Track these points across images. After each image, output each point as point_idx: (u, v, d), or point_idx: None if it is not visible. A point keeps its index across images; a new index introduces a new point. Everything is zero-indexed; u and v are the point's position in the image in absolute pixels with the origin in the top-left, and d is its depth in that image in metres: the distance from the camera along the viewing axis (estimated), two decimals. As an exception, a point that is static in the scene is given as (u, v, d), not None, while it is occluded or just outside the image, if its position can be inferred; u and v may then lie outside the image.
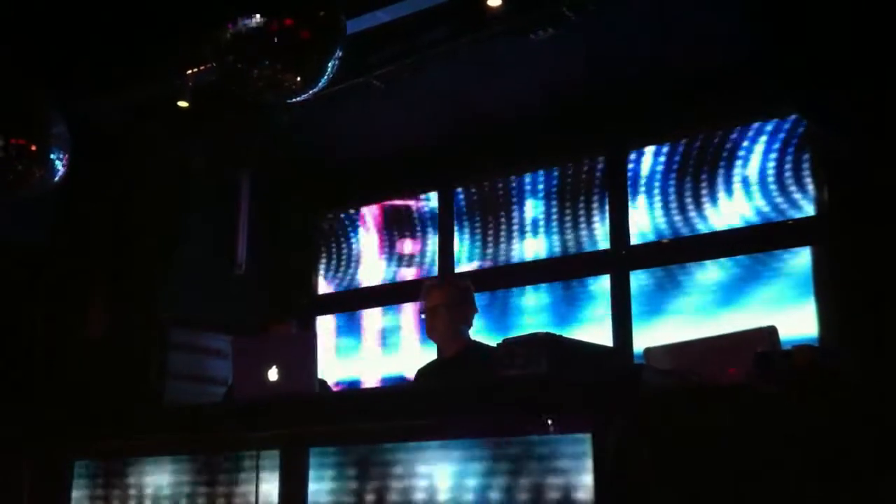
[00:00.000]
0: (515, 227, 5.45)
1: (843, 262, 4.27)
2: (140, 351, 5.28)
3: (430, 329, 3.89)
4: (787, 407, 2.25)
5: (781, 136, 4.65)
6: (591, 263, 5.13)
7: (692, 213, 4.86)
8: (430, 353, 4.08)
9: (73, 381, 5.18)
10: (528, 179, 5.44)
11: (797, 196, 4.57)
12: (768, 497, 2.20)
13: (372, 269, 5.96)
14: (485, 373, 3.35)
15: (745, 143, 4.75)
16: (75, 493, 3.54)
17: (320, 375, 4.00)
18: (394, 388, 4.39)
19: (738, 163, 4.75)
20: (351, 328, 5.97)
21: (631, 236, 5.01)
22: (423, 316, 3.90)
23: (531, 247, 5.37)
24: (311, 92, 3.51)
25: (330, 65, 3.44)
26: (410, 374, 4.51)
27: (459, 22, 4.26)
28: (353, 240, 6.10)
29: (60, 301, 5.49)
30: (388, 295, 5.81)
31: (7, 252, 5.39)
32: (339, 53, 3.46)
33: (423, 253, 5.78)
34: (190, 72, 4.58)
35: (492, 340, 4.04)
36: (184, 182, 5.53)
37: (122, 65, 4.74)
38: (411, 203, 5.88)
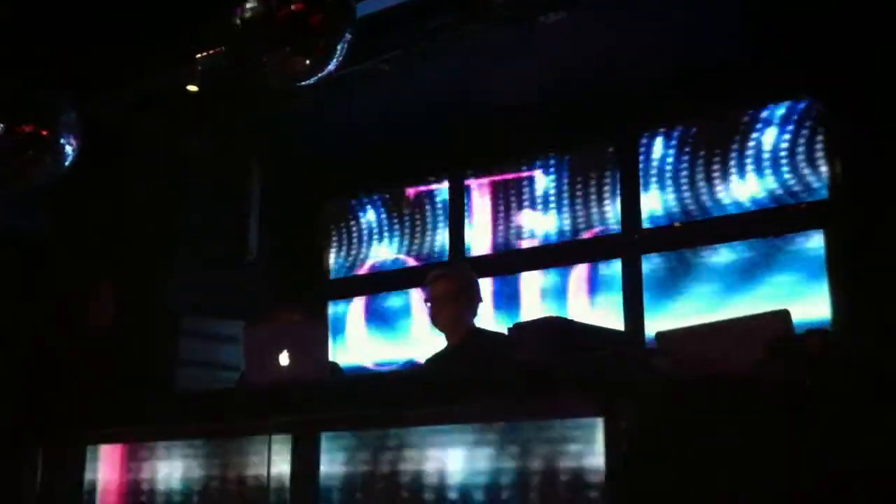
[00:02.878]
0: (526, 212, 5.44)
1: (856, 245, 4.25)
2: (153, 338, 5.30)
3: (434, 318, 3.90)
4: (800, 392, 2.24)
5: (794, 118, 4.61)
6: (603, 247, 5.11)
7: (704, 197, 4.83)
8: (438, 338, 4.09)
9: (86, 369, 5.20)
10: (539, 164, 5.42)
11: (810, 179, 4.54)
12: (779, 482, 2.19)
13: (384, 253, 5.97)
14: (491, 359, 3.36)
15: (758, 126, 4.71)
16: (88, 479, 3.56)
17: (333, 359, 4.03)
18: (404, 373, 4.39)
19: (751, 145, 4.72)
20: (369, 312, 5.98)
21: (642, 220, 5.00)
22: (427, 304, 3.92)
23: (542, 230, 5.36)
24: (319, 76, 3.50)
25: (339, 49, 3.43)
26: (422, 359, 4.52)
27: (468, 6, 4.24)
28: (363, 225, 6.10)
29: (70, 290, 5.50)
30: (400, 280, 5.81)
31: (15, 244, 5.40)
32: (348, 37, 3.45)
33: (434, 238, 5.78)
34: (199, 56, 4.57)
35: (502, 324, 4.04)
36: (194, 168, 5.54)
37: (129, 54, 4.73)
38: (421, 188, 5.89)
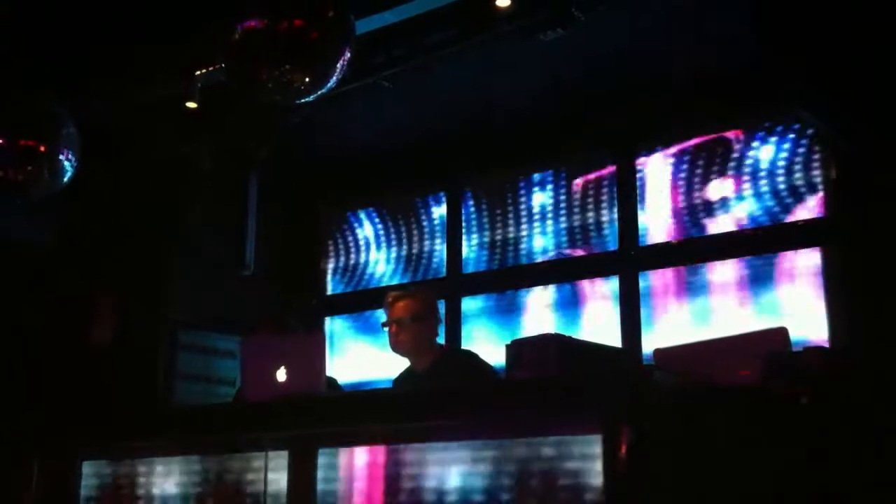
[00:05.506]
0: (524, 227, 5.44)
1: (853, 262, 4.26)
2: (149, 352, 5.29)
3: (394, 342, 3.77)
4: (798, 408, 2.24)
5: (791, 136, 4.63)
6: (600, 264, 5.12)
7: (701, 214, 4.84)
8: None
9: (83, 383, 5.19)
10: (536, 179, 5.43)
11: (807, 197, 4.55)
12: (779, 497, 2.19)
13: (380, 268, 5.96)
14: (470, 379, 3.34)
15: (755, 144, 4.73)
16: (84, 494, 3.54)
17: (330, 374, 4.01)
18: (402, 389, 4.38)
19: (748, 163, 4.74)
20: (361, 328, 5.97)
21: (640, 237, 5.00)
22: (385, 329, 3.79)
23: (540, 247, 5.36)
24: (319, 92, 3.51)
25: (339, 65, 3.44)
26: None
27: (468, 23, 4.25)
28: (361, 240, 6.10)
29: (69, 303, 5.50)
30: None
31: (15, 253, 5.40)
32: (348, 54, 3.46)
33: (431, 253, 5.78)
34: (199, 72, 4.58)
35: (499, 342, 4.04)
36: (191, 182, 5.55)
37: (130, 65, 4.75)
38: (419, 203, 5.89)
